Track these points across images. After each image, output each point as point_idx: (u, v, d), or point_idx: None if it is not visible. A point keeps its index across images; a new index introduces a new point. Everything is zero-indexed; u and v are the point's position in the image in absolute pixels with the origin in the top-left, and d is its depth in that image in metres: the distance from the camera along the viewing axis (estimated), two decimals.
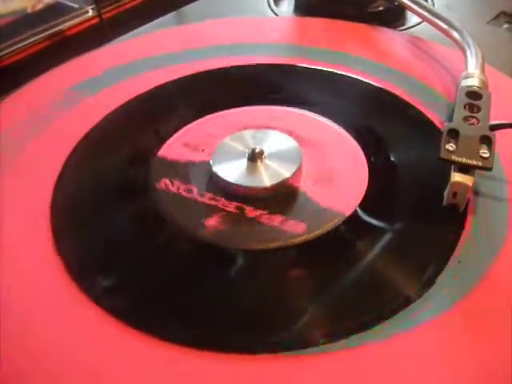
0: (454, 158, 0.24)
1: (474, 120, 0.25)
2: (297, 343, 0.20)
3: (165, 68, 0.35)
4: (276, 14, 0.43)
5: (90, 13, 0.50)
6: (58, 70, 0.36)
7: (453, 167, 0.24)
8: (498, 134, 0.25)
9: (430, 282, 0.22)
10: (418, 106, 0.30)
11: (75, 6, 0.50)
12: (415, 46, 0.37)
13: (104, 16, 0.50)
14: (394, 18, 0.41)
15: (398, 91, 0.32)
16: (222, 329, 0.21)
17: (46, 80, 0.35)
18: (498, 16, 0.44)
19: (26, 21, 0.50)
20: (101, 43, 0.47)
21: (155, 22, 0.45)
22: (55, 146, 0.29)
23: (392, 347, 0.20)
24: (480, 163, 0.23)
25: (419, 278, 0.22)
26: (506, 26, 0.43)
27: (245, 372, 0.20)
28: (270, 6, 0.44)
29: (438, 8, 0.44)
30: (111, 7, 0.54)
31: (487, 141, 0.24)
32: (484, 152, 0.24)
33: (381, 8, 0.41)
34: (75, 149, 0.29)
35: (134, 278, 0.23)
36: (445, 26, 0.34)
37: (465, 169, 0.24)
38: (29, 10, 0.50)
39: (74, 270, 0.23)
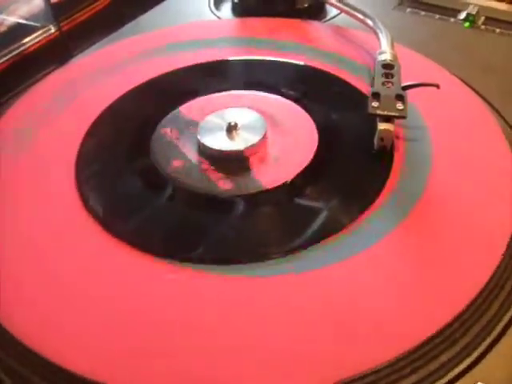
0: (378, 112, 0.32)
1: (390, 84, 0.34)
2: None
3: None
4: (219, 18, 0.51)
5: (52, 30, 0.55)
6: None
7: (378, 119, 0.32)
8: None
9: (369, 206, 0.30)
10: (346, 77, 0.39)
11: (37, 24, 0.56)
12: (337, 33, 0.45)
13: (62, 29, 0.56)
14: (317, 12, 0.50)
15: (330, 68, 0.40)
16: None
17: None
18: (402, 1, 0.53)
19: None
20: (63, 57, 0.54)
21: (111, 36, 0.51)
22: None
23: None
24: (397, 114, 0.32)
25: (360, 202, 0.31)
26: (408, 10, 0.52)
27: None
28: (212, 11, 0.52)
29: None
30: (67, 21, 0.59)
31: (401, 98, 0.33)
32: (399, 106, 0.32)
33: (306, 5, 0.49)
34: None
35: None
36: (361, 16, 0.42)
37: (387, 119, 0.32)
38: None
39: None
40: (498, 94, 0.39)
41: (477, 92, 0.39)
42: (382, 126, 0.32)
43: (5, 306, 0.27)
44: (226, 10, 0.53)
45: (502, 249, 0.28)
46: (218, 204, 0.32)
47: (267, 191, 0.32)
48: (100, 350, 0.25)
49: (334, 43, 0.44)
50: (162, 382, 0.24)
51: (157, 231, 0.31)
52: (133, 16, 0.57)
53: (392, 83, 0.34)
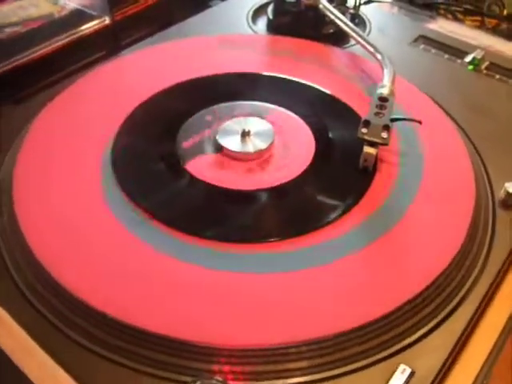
0: (365, 137, 0.39)
1: (382, 115, 0.40)
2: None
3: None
4: (254, 32, 0.58)
5: (107, 20, 0.63)
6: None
7: (364, 143, 0.39)
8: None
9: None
10: (348, 102, 0.46)
11: (94, 13, 0.63)
12: (350, 60, 0.52)
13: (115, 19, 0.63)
14: (341, 38, 0.56)
15: (336, 92, 0.47)
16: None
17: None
18: (417, 39, 0.59)
19: (54, 24, 0.62)
20: (112, 45, 0.61)
21: (156, 36, 0.58)
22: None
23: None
24: (381, 141, 0.39)
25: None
26: (422, 46, 0.58)
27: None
28: (248, 24, 0.59)
29: (373, 29, 0.59)
30: (120, 12, 0.67)
31: (387, 128, 0.39)
32: (384, 135, 0.39)
33: (331, 31, 0.56)
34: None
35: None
36: (371, 49, 0.49)
37: (372, 144, 0.39)
38: (55, 15, 0.63)
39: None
40: (480, 134, 0.46)
41: (460, 128, 0.46)
42: (366, 149, 0.39)
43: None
44: (262, 24, 0.59)
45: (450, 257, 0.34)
46: (223, 196, 0.39)
47: (263, 190, 0.39)
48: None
49: (344, 68, 0.50)
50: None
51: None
52: (182, 15, 0.63)
53: (383, 114, 0.40)
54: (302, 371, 0.30)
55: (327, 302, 0.32)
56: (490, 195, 0.41)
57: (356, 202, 0.38)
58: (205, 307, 0.31)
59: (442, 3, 0.82)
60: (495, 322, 0.34)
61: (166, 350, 0.30)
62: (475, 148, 0.44)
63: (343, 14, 0.57)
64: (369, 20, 0.60)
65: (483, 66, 0.55)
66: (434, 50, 0.57)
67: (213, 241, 0.35)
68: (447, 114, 0.47)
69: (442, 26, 0.65)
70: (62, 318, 0.32)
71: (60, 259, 0.33)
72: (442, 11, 0.82)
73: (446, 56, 0.56)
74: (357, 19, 0.59)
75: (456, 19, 0.76)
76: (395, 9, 0.67)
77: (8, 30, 0.59)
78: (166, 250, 0.34)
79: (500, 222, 0.39)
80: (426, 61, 0.55)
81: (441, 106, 0.48)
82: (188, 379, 0.29)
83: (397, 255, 0.35)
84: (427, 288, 0.33)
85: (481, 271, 0.35)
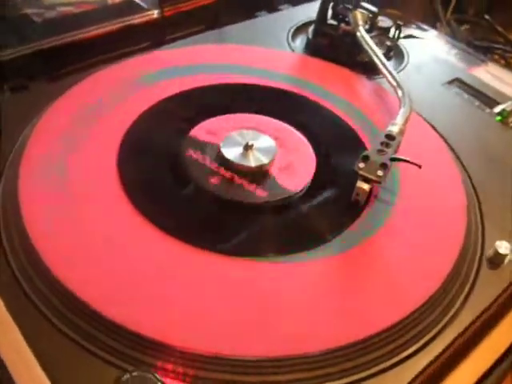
0: (360, 172, 0.39)
1: (383, 153, 0.41)
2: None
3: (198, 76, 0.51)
4: (291, 48, 0.59)
5: (155, 14, 0.65)
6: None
7: (359, 177, 0.39)
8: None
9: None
10: (358, 131, 0.47)
11: (144, 6, 0.65)
12: (375, 91, 0.52)
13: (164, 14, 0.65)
14: (373, 68, 0.56)
15: (349, 120, 0.48)
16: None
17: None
18: (453, 81, 0.59)
19: (105, 10, 0.65)
20: (160, 37, 0.63)
21: (198, 36, 0.60)
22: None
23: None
24: (375, 178, 0.39)
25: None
26: (455, 89, 0.57)
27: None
28: (287, 41, 0.60)
29: (410, 63, 0.59)
30: (173, 7, 0.69)
31: (384, 166, 0.40)
32: (380, 173, 0.39)
33: (366, 59, 0.56)
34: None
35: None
36: (394, 83, 0.49)
37: (366, 180, 0.39)
38: (109, 2, 0.66)
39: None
40: (488, 186, 0.45)
41: (468, 176, 0.46)
42: (360, 184, 0.39)
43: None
44: (301, 43, 0.60)
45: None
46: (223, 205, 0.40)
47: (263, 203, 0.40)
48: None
49: (365, 98, 0.51)
50: None
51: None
52: (229, 20, 0.65)
53: (385, 152, 0.41)
54: None
55: (283, 325, 0.33)
56: (479, 249, 0.40)
57: (335, 235, 0.38)
58: (178, 306, 0.33)
59: (499, 48, 0.82)
60: None
61: (117, 337, 0.31)
62: (478, 198, 0.44)
63: (382, 43, 0.57)
64: (408, 54, 0.60)
65: (511, 119, 0.54)
66: (466, 95, 0.56)
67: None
68: (458, 159, 0.47)
69: (489, 71, 0.64)
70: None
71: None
72: (497, 56, 0.81)
73: (477, 103, 0.55)
74: (393, 51, 0.59)
75: (508, 66, 0.76)
76: (447, 46, 0.67)
77: (60, 9, 0.61)
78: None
79: (482, 279, 0.38)
80: (454, 104, 0.55)
81: (454, 151, 0.48)
82: (129, 368, 0.30)
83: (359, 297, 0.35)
84: (377, 334, 0.33)
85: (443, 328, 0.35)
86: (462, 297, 0.37)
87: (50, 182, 0.39)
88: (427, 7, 0.95)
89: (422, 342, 0.34)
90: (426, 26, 0.72)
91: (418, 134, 0.46)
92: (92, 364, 0.30)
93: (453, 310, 0.36)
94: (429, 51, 0.63)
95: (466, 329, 0.36)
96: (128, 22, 0.63)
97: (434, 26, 0.91)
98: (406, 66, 0.59)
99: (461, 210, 0.41)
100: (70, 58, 0.58)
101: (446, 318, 0.36)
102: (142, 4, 0.65)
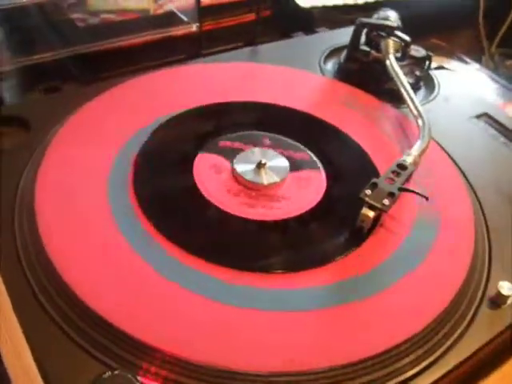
0: (366, 199, 0.39)
1: (392, 181, 0.41)
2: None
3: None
4: (322, 71, 0.60)
5: (194, 28, 0.67)
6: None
7: (365, 204, 0.40)
8: None
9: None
10: (373, 159, 0.47)
11: (185, 18, 0.67)
12: (398, 120, 0.53)
13: (203, 29, 0.67)
14: (401, 96, 0.57)
15: (367, 147, 0.48)
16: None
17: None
18: (481, 115, 0.58)
19: (146, 20, 0.67)
20: (196, 50, 0.64)
21: (232, 52, 0.61)
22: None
23: None
24: (380, 207, 0.39)
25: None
26: (482, 124, 0.57)
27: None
28: (319, 63, 0.60)
29: (440, 95, 0.59)
30: (214, 22, 0.71)
31: (392, 196, 0.40)
32: (386, 201, 0.39)
33: (394, 87, 0.56)
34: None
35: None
36: (415, 113, 0.49)
37: (372, 207, 0.39)
38: (151, 12, 0.68)
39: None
40: (501, 223, 0.45)
41: (482, 211, 0.45)
42: (364, 210, 0.39)
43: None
44: (332, 66, 0.61)
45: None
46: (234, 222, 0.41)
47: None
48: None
49: (387, 126, 0.52)
50: None
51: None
52: (268, 39, 0.67)
53: (395, 181, 0.41)
54: None
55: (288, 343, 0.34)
56: (482, 288, 0.40)
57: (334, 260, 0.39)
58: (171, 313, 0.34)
59: None
60: None
61: (107, 334, 0.33)
62: (488, 236, 0.44)
63: (412, 73, 0.57)
64: (439, 85, 0.60)
65: None
66: (492, 131, 0.56)
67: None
68: (474, 194, 0.47)
69: None
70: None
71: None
72: None
73: (502, 139, 0.55)
74: (422, 81, 0.59)
75: None
76: (484, 80, 0.67)
77: (103, 16, 0.64)
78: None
79: (480, 319, 0.38)
80: (478, 139, 0.54)
81: (470, 185, 0.47)
82: (115, 365, 0.31)
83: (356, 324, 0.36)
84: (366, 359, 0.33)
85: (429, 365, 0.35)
86: (454, 336, 0.37)
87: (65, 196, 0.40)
88: (473, 39, 0.95)
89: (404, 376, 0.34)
90: (468, 59, 0.72)
91: (435, 164, 0.46)
92: (80, 357, 0.32)
93: (441, 350, 0.36)
94: (462, 84, 0.62)
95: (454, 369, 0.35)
96: (166, 34, 0.65)
97: (479, 59, 0.91)
98: (435, 96, 0.58)
99: (467, 246, 0.41)
100: (108, 65, 0.60)
101: (437, 354, 0.36)
102: (182, 17, 0.67)
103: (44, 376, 0.30)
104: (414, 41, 0.58)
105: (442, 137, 0.51)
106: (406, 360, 0.34)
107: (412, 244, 0.41)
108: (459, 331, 0.37)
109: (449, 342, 0.36)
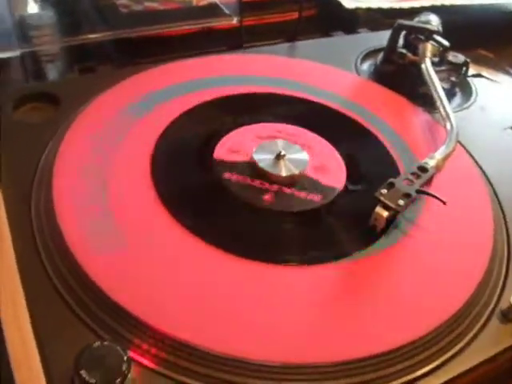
0: (381, 197, 0.39)
1: (410, 182, 0.40)
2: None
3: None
4: (357, 71, 0.59)
5: (235, 21, 0.67)
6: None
7: (379, 203, 0.39)
8: None
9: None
10: (397, 160, 0.46)
11: (226, 11, 0.67)
12: (428, 124, 0.51)
13: (244, 23, 0.67)
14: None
15: (391, 149, 0.48)
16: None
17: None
18: None
19: (188, 10, 0.68)
20: (236, 44, 0.65)
21: (269, 47, 0.61)
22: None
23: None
24: (394, 207, 0.39)
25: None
26: None
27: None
28: (355, 63, 0.60)
29: (476, 104, 0.58)
30: (257, 17, 0.71)
31: (408, 197, 0.39)
32: (401, 202, 0.39)
33: (428, 92, 0.55)
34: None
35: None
36: (444, 116, 0.48)
37: (386, 207, 0.39)
38: (194, 3, 0.69)
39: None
40: None
41: (505, 223, 0.44)
42: (378, 209, 0.39)
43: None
44: (368, 67, 0.60)
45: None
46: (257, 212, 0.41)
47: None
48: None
49: (416, 129, 0.51)
50: None
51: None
52: (309, 37, 0.66)
53: (413, 183, 0.40)
54: None
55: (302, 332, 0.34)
56: (495, 299, 0.39)
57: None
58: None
59: None
60: None
61: (109, 311, 0.33)
62: (509, 249, 0.42)
63: (448, 79, 0.56)
64: (477, 93, 0.59)
65: None
66: None
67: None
68: (499, 205, 0.45)
69: None
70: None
71: None
72: None
73: None
74: (458, 88, 0.58)
75: None
76: None
77: (146, 4, 0.65)
78: None
79: (489, 330, 0.37)
80: (509, 149, 0.53)
81: (497, 196, 0.46)
82: (109, 338, 0.31)
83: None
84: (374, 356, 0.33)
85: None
86: (458, 346, 0.36)
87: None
88: None
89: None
90: None
91: (459, 171, 0.45)
92: (76, 326, 0.32)
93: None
94: (500, 94, 0.61)
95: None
96: (207, 25, 0.65)
97: None
98: (471, 104, 0.57)
99: (484, 256, 0.40)
100: (146, 52, 0.61)
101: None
102: (224, 9, 0.67)
103: (38, 338, 0.31)
104: (461, 50, 0.57)
105: (473, 145, 0.50)
106: (416, 359, 0.34)
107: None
108: (461, 345, 0.36)
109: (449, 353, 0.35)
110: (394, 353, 0.33)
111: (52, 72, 0.58)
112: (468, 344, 0.36)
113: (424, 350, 0.34)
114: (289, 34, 0.67)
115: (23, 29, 0.57)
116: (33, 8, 0.62)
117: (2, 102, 0.46)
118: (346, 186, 0.43)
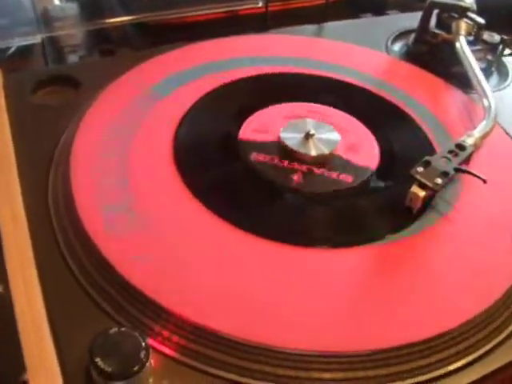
0: (417, 176, 0.36)
1: (448, 161, 0.38)
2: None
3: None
4: (388, 52, 0.56)
5: (260, 4, 0.65)
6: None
7: (415, 182, 0.37)
8: None
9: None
10: (432, 140, 0.44)
11: None
12: (464, 104, 0.49)
13: (270, 8, 0.65)
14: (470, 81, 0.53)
15: (427, 129, 0.45)
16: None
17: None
18: None
19: None
20: (262, 29, 0.63)
21: (296, 28, 0.59)
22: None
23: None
24: (431, 185, 0.36)
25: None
26: None
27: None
28: (386, 44, 0.57)
29: None
30: (278, 3, 0.68)
31: (445, 175, 0.37)
32: (438, 180, 0.36)
33: (463, 71, 0.52)
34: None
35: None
36: (482, 94, 0.46)
37: (422, 185, 0.36)
38: None
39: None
40: None
41: None
42: (414, 188, 0.36)
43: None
44: (400, 49, 0.58)
45: None
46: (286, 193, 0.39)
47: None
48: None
49: (451, 108, 0.48)
50: None
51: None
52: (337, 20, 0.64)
53: (450, 161, 0.38)
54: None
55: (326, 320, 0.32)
56: None
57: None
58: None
59: None
60: None
61: (128, 296, 0.31)
62: None
63: (484, 58, 0.53)
64: None
65: None
66: None
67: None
68: None
69: None
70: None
71: None
72: None
73: None
74: (494, 67, 0.55)
75: None
76: None
77: None
78: None
79: None
80: None
81: None
82: (127, 324, 0.30)
83: None
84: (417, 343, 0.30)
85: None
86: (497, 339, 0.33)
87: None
88: None
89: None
90: None
91: (498, 150, 0.43)
92: (91, 310, 0.31)
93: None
94: None
95: None
96: (231, 9, 0.64)
97: None
98: (509, 84, 0.54)
99: None
100: (169, 36, 0.59)
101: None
102: None
103: (51, 320, 0.29)
104: (501, 31, 0.54)
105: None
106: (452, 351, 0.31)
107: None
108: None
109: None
110: (428, 343, 0.31)
111: (73, 59, 0.57)
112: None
113: (458, 342, 0.32)
114: (316, 18, 0.65)
115: (46, 20, 0.56)
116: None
117: (22, 85, 0.45)
118: (379, 167, 0.41)
